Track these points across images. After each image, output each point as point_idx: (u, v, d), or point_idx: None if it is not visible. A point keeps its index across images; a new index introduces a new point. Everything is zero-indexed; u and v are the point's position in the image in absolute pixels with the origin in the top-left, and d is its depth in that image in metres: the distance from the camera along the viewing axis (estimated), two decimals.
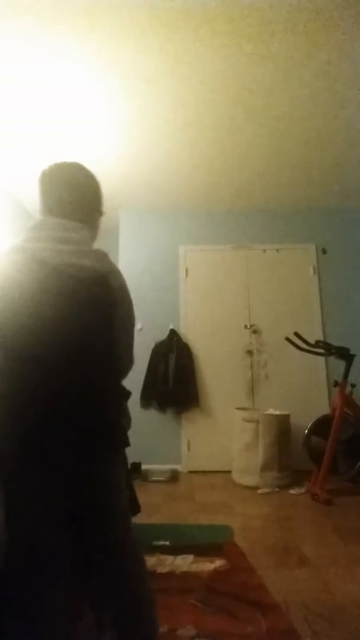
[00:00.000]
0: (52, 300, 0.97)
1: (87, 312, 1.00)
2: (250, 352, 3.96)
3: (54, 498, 0.95)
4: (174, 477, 3.48)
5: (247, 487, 3.21)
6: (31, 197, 3.80)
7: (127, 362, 1.16)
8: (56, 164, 1.16)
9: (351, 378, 3.24)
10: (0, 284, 0.98)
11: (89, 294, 1.01)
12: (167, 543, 2.07)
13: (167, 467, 3.59)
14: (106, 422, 1.03)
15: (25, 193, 3.72)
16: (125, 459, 1.13)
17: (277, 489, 3.15)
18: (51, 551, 0.94)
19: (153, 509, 2.57)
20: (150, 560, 1.84)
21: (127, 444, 1.08)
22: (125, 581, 1.02)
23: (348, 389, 3.23)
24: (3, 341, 0.96)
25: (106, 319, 1.04)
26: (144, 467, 3.43)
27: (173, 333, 3.93)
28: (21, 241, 1.04)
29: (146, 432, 3.68)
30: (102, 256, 1.09)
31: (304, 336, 3.25)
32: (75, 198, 1.12)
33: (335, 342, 3.46)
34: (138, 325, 3.65)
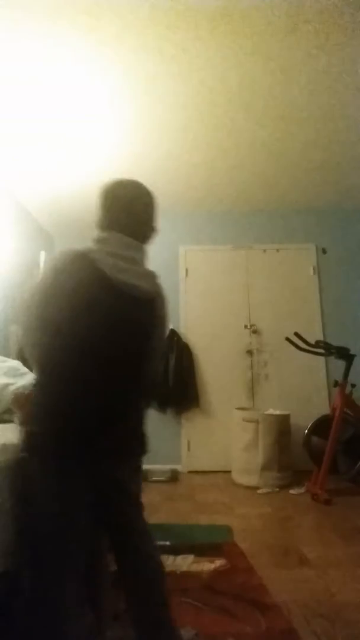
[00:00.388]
0: (105, 313, 1.06)
1: (132, 329, 1.11)
2: (250, 352, 3.96)
3: (81, 491, 1.01)
4: (174, 477, 3.49)
5: (247, 487, 3.21)
6: (32, 198, 3.81)
7: (154, 377, 1.32)
8: (118, 181, 1.22)
9: (351, 378, 3.24)
10: (63, 290, 1.04)
11: (137, 313, 1.11)
12: (167, 543, 2.07)
13: (167, 467, 3.59)
14: (137, 430, 1.15)
15: (26, 194, 3.72)
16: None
17: (277, 489, 3.15)
18: (73, 536, 1.00)
19: (153, 509, 2.57)
20: None
21: (147, 450, 1.21)
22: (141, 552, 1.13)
23: (348, 389, 3.23)
24: (63, 340, 1.03)
25: (145, 337, 1.15)
26: (144, 467, 3.43)
27: (173, 333, 3.93)
28: (87, 250, 1.09)
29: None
30: (153, 278, 1.19)
31: (304, 336, 3.25)
32: (135, 216, 1.17)
33: (335, 342, 3.46)
34: None
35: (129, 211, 1.17)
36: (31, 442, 1.03)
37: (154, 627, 1.10)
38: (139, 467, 1.20)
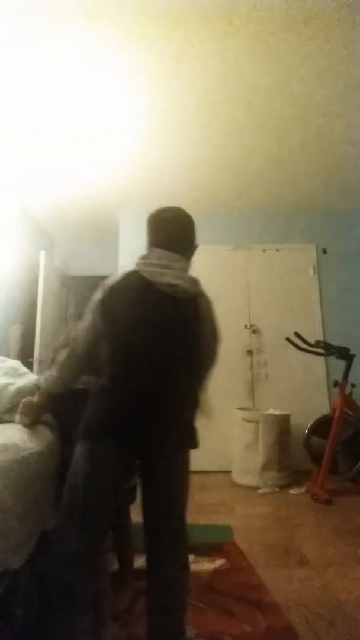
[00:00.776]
0: (151, 311, 1.21)
1: (177, 323, 1.23)
2: (250, 352, 3.96)
3: (118, 470, 1.17)
4: None
5: (247, 487, 3.21)
6: (33, 199, 3.81)
7: (207, 370, 1.37)
8: (163, 208, 1.41)
9: (351, 378, 3.23)
10: (116, 301, 1.24)
11: (180, 309, 1.24)
12: None
13: None
14: (180, 422, 1.23)
15: (28, 195, 3.72)
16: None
17: (277, 489, 3.15)
18: (98, 495, 1.13)
19: None
20: None
21: (196, 445, 1.26)
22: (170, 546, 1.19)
23: (348, 389, 3.23)
24: (115, 340, 1.21)
25: (193, 332, 1.25)
26: None
27: None
28: (135, 266, 1.29)
29: None
30: (195, 282, 1.31)
31: (304, 336, 3.24)
32: (176, 235, 1.35)
33: (335, 342, 3.46)
34: None
35: (165, 231, 1.35)
36: (84, 425, 1.19)
37: (167, 626, 1.14)
38: (181, 460, 1.25)
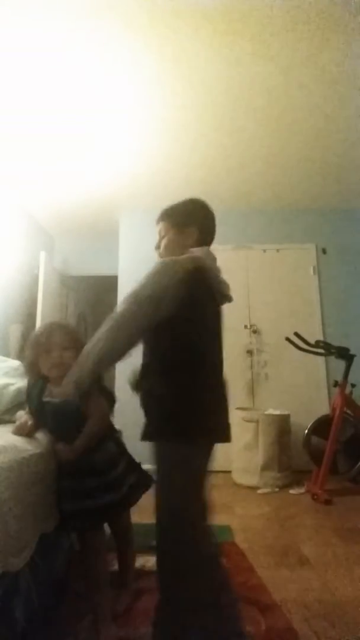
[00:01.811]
0: (219, 310, 1.25)
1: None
2: (250, 352, 3.96)
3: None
4: None
5: (247, 487, 3.21)
6: (33, 198, 3.80)
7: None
8: (206, 202, 1.53)
9: (351, 378, 3.23)
10: (198, 288, 1.15)
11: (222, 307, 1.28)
12: None
13: None
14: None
15: (27, 194, 3.72)
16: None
17: (277, 489, 3.15)
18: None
19: (153, 508, 2.57)
20: (150, 561, 1.84)
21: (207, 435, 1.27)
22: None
23: (348, 389, 3.23)
24: (198, 334, 1.16)
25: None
26: (144, 467, 3.42)
27: None
28: (202, 261, 1.21)
29: None
30: None
31: (304, 336, 3.24)
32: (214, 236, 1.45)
33: (335, 342, 3.46)
34: None
35: (211, 233, 1.47)
36: (174, 426, 1.19)
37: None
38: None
